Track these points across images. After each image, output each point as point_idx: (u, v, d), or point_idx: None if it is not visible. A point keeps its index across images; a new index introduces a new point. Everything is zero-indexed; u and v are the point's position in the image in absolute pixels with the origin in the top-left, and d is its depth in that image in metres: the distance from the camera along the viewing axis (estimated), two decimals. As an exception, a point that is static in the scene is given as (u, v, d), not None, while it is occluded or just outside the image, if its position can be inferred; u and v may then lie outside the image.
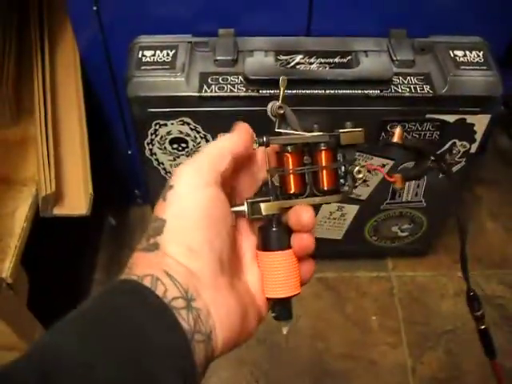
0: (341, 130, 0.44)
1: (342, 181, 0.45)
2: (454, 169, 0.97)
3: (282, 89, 0.45)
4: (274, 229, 0.43)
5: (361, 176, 0.44)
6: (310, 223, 0.42)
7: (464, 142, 0.92)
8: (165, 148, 0.90)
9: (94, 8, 0.88)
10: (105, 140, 1.13)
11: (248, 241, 0.45)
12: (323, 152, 0.44)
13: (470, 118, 0.88)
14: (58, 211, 0.84)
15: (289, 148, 0.43)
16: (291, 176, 0.43)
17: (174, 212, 0.39)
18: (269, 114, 0.45)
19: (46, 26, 1.02)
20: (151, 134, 0.87)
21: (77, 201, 0.85)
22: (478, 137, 0.91)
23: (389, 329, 1.18)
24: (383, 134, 0.89)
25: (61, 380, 0.29)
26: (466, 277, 0.55)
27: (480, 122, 0.89)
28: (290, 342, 1.15)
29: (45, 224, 0.86)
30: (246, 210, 0.43)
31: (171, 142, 0.89)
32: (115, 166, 1.22)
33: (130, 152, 1.16)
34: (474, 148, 0.93)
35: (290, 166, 0.43)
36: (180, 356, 0.34)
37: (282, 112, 0.44)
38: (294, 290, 0.43)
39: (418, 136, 0.89)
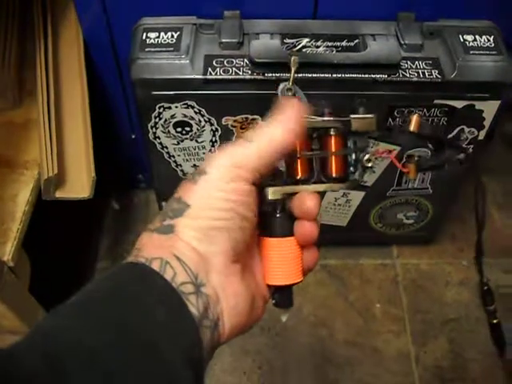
0: (352, 116, 0.42)
1: (351, 169, 0.43)
2: (462, 156, 0.95)
3: (292, 69, 0.43)
4: (277, 215, 0.42)
5: (370, 165, 0.42)
6: (313, 211, 0.41)
7: (472, 129, 0.91)
8: (169, 132, 0.89)
9: (98, -12, 0.86)
10: (108, 124, 1.12)
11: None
12: (333, 137, 0.42)
13: (478, 104, 0.86)
14: (60, 194, 0.83)
15: None
16: (299, 161, 0.42)
17: (200, 198, 0.38)
18: (279, 95, 0.43)
19: (49, 8, 1.00)
20: (155, 118, 0.86)
21: (79, 184, 0.84)
22: (487, 123, 0.90)
23: (392, 317, 1.18)
24: (390, 119, 0.87)
25: (65, 362, 0.28)
26: (480, 270, 0.54)
27: (489, 109, 0.87)
28: (293, 330, 1.15)
29: (48, 208, 0.86)
30: None
31: (175, 125, 0.88)
32: (119, 151, 1.21)
33: (133, 136, 1.15)
34: (482, 135, 0.92)
35: (299, 151, 0.42)
36: (190, 343, 0.34)
37: (290, 94, 0.43)
38: (295, 278, 0.42)
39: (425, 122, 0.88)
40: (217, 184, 0.38)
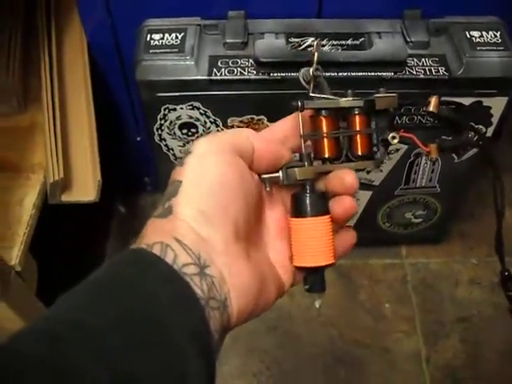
0: (376, 95, 0.43)
1: (374, 148, 0.44)
2: (470, 153, 0.95)
3: (316, 53, 0.44)
4: (308, 194, 0.42)
5: (396, 141, 0.43)
6: (353, 185, 0.41)
7: (480, 126, 0.90)
8: (174, 133, 0.89)
9: (101, -9, 0.86)
10: (114, 126, 1.12)
11: (272, 214, 0.44)
12: (357, 116, 0.43)
13: (486, 101, 0.86)
14: (66, 198, 0.83)
15: (323, 112, 0.42)
16: (325, 140, 0.43)
17: (190, 175, 0.38)
18: (301, 80, 0.44)
19: (53, 12, 1.01)
20: (160, 119, 0.86)
21: (85, 187, 0.84)
22: (495, 120, 0.89)
23: (402, 316, 1.17)
24: (397, 117, 0.87)
25: (65, 340, 0.28)
26: (501, 256, 0.53)
27: (496, 105, 0.86)
28: (302, 330, 1.14)
29: (54, 212, 0.86)
30: (281, 175, 0.42)
31: (181, 127, 0.87)
32: (124, 153, 1.21)
33: (139, 138, 1.15)
34: (490, 132, 0.91)
35: (325, 130, 0.43)
36: (195, 323, 0.34)
37: (319, 74, 0.44)
38: (329, 259, 0.42)
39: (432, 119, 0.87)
40: (202, 159, 0.39)
